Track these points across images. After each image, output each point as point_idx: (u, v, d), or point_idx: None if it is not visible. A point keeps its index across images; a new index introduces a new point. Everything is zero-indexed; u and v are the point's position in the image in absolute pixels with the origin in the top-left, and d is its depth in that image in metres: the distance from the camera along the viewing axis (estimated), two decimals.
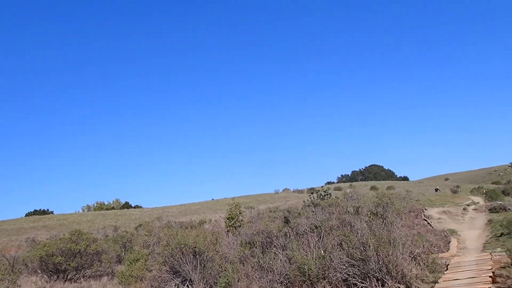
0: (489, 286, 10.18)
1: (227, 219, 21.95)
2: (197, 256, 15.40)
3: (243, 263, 14.79)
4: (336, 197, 22.20)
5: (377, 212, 16.14)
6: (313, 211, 16.97)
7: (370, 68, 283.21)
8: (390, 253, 13.11)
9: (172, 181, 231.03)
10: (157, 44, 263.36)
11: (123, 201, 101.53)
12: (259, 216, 21.67)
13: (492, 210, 34.04)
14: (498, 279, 12.35)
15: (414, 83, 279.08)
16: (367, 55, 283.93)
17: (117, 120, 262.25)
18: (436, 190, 59.87)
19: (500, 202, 36.25)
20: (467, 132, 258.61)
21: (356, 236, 14.44)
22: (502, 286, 11.29)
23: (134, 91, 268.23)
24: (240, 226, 20.52)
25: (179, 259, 15.39)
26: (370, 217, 16.20)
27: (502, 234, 23.18)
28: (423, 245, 21.38)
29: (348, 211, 16.56)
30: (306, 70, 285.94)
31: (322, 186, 26.78)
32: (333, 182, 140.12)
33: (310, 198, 23.65)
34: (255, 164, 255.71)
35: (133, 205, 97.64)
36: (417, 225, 31.30)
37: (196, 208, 75.24)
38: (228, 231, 20.61)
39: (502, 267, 14.14)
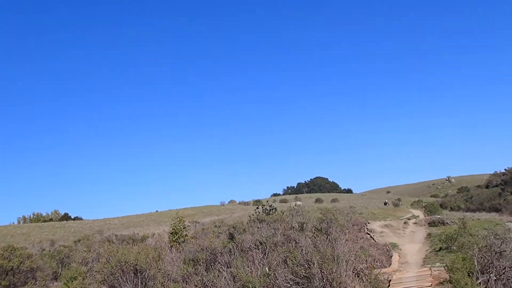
0: None
1: (171, 234, 21.39)
2: (139, 274, 14.83)
3: (187, 281, 14.37)
4: (281, 211, 22.17)
5: (321, 228, 16.21)
6: (258, 227, 16.81)
7: (314, 83, 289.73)
8: (334, 270, 13.14)
9: (114, 191, 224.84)
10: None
11: (62, 212, 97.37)
12: (203, 231, 21.26)
13: (431, 224, 35.14)
14: None
15: (356, 98, 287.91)
16: (312, 69, 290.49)
17: (56, 124, 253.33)
18: (385, 203, 61.22)
19: (438, 216, 37.59)
20: (407, 146, 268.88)
21: (301, 253, 14.39)
22: None
23: (71, 94, 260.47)
24: (184, 242, 20.04)
25: (119, 278, 14.75)
26: (314, 233, 16.23)
27: (440, 249, 23.93)
28: (366, 260, 21.73)
29: (293, 227, 16.52)
30: (251, 82, 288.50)
31: (267, 201, 26.70)
32: (279, 194, 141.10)
33: (256, 212, 23.50)
34: (201, 175, 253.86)
35: (72, 217, 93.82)
36: (360, 238, 31.85)
37: (140, 220, 73.37)
38: (171, 246, 20.06)
39: (441, 283, 14.54)
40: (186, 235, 21.30)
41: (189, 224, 33.62)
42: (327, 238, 15.38)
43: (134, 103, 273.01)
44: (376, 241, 30.74)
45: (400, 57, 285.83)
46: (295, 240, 15.24)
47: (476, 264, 11.73)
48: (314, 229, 16.67)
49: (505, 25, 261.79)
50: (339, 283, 13.08)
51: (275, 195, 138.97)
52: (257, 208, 24.32)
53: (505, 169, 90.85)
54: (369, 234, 33.31)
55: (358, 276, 16.07)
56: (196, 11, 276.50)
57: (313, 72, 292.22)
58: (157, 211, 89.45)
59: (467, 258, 12.99)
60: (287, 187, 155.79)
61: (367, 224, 37.77)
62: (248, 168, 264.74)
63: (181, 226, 21.43)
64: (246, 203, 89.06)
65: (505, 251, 11.45)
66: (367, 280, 15.77)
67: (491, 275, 11.14)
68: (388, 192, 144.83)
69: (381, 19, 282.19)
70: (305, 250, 14.34)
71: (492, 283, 10.80)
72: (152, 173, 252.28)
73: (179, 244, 19.78)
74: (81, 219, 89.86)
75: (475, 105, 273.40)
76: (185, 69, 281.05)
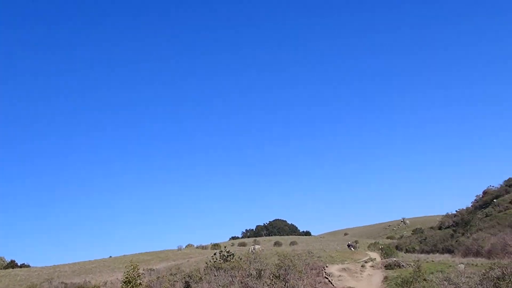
0: None
1: (124, 282, 20.53)
2: None
3: None
4: (239, 257, 21.83)
5: (279, 274, 16.02)
6: (215, 275, 16.45)
7: (272, 121, 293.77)
8: None
9: (65, 236, 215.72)
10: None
11: (8, 259, 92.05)
12: (158, 280, 20.54)
13: (387, 266, 35.46)
14: None
15: (308, 141, 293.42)
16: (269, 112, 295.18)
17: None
18: (349, 246, 60.98)
19: (394, 259, 38.01)
20: (364, 189, 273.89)
21: None
22: None
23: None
24: None
25: None
26: (272, 280, 16.02)
27: None
28: None
29: (251, 274, 16.26)
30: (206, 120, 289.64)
31: (225, 247, 26.27)
32: (238, 237, 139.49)
33: (213, 259, 23.05)
34: (156, 218, 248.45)
35: (19, 264, 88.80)
36: (319, 283, 31.67)
37: (92, 267, 70.23)
38: None
39: None
40: (140, 283, 20.51)
41: (143, 271, 32.51)
42: (285, 286, 15.20)
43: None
44: (334, 285, 30.67)
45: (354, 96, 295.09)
46: None
47: None
48: (272, 276, 16.46)
49: None
50: None
51: (233, 238, 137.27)
52: (215, 254, 23.87)
53: (456, 211, 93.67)
54: (327, 278, 33.22)
55: None
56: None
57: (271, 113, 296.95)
58: (110, 256, 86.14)
59: None
60: (246, 230, 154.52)
61: (325, 267, 37.73)
62: (206, 211, 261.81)
63: (135, 274, 20.65)
64: (204, 247, 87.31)
65: None
66: None
67: None
68: (345, 234, 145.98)
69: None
70: None
71: None
72: (105, 218, 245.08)
73: None
74: (28, 266, 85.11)
75: (426, 147, 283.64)
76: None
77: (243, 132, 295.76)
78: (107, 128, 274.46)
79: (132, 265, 21.22)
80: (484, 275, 17.89)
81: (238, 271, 16.39)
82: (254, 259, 17.33)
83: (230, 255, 23.34)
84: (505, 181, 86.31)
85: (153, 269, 41.90)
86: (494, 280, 16.50)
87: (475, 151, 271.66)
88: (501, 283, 15.69)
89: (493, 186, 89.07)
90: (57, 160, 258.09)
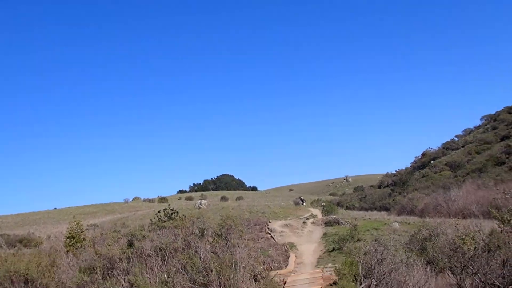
0: None
1: (67, 238, 20.51)
2: (29, 284, 14.11)
3: None
4: (183, 215, 22.19)
5: (221, 233, 16.48)
6: (158, 234, 16.71)
7: (222, 83, 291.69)
8: (232, 277, 13.47)
9: (7, 186, 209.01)
10: None
11: None
12: (102, 237, 20.64)
13: (327, 223, 36.98)
14: None
15: (262, 99, 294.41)
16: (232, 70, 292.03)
17: None
18: (302, 201, 62.15)
19: (334, 216, 39.63)
20: (309, 146, 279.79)
21: (200, 259, 14.57)
22: None
23: None
24: (81, 247, 19.32)
25: None
26: (214, 239, 16.48)
27: (333, 249, 25.38)
28: (264, 262, 22.46)
29: (194, 233, 16.64)
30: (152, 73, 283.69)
31: (169, 205, 26.50)
32: (185, 191, 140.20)
33: (157, 216, 23.29)
34: (103, 170, 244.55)
35: None
36: (261, 238, 32.76)
37: (36, 218, 69.09)
38: (68, 251, 19.25)
39: (330, 285, 15.48)
40: (83, 239, 20.55)
41: (87, 227, 32.40)
42: (226, 244, 15.70)
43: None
44: (276, 240, 31.82)
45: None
46: (195, 247, 15.37)
47: (360, 269, 12.67)
48: (215, 235, 16.92)
49: None
50: None
51: (181, 192, 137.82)
52: (159, 211, 24.08)
53: (395, 171, 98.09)
54: (269, 234, 34.37)
55: (255, 280, 16.59)
56: None
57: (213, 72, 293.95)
58: (55, 208, 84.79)
59: (354, 263, 13.96)
60: (194, 184, 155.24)
61: (268, 223, 38.92)
62: (153, 163, 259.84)
63: (79, 230, 20.63)
64: (151, 200, 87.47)
65: (386, 258, 12.48)
66: (263, 283, 16.34)
67: (372, 280, 12.11)
68: (290, 190, 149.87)
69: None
70: (204, 257, 14.54)
71: (373, 287, 11.75)
72: (50, 168, 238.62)
73: (76, 249, 19.05)
74: None
75: (371, 106, 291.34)
76: None
77: (195, 85, 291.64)
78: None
79: (75, 221, 21.16)
80: (413, 236, 19.19)
81: (181, 230, 16.71)
82: (197, 219, 17.67)
83: (174, 213, 23.62)
84: (443, 144, 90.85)
85: (97, 225, 41.72)
86: (421, 241, 17.73)
87: (417, 113, 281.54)
88: (427, 243, 16.86)
89: (431, 148, 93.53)
90: None
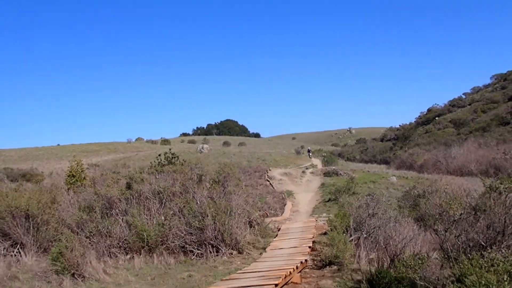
0: (305, 258, 11.34)
1: (68, 176, 20.96)
2: (30, 220, 14.57)
3: (81, 228, 14.39)
4: (183, 160, 22.52)
5: (219, 180, 16.80)
6: (157, 178, 17.04)
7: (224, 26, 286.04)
8: (227, 222, 13.87)
9: (11, 120, 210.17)
10: None
11: None
12: (102, 177, 21.05)
13: (326, 174, 37.46)
14: (317, 246, 13.88)
15: (268, 44, 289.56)
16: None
17: None
18: (309, 151, 61.24)
19: (334, 167, 40.05)
20: (315, 95, 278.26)
21: (197, 204, 14.93)
22: (319, 254, 12.67)
23: None
24: (82, 185, 19.78)
25: (10, 222, 14.39)
26: (212, 185, 16.80)
27: (329, 200, 25.87)
28: (261, 209, 23.00)
29: (192, 178, 16.96)
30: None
31: (170, 149, 26.65)
32: (188, 134, 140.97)
33: (158, 160, 23.62)
34: (107, 109, 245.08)
35: None
36: (260, 185, 33.38)
37: (39, 153, 69.85)
38: (68, 189, 19.73)
39: (323, 234, 15.92)
40: (84, 178, 21.00)
41: (88, 167, 32.94)
42: (223, 191, 16.04)
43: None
44: (274, 188, 32.42)
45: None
46: (192, 192, 15.72)
47: (352, 222, 13.01)
48: (212, 181, 17.25)
49: None
50: (230, 234, 13.86)
51: (184, 134, 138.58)
52: (159, 155, 24.38)
53: (399, 125, 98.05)
54: (268, 181, 34.96)
55: (250, 226, 17.08)
56: None
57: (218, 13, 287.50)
58: (58, 145, 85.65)
59: (346, 215, 14.31)
60: (197, 127, 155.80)
61: (268, 171, 39.47)
62: (158, 105, 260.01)
63: (79, 169, 21.04)
64: (153, 142, 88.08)
65: (377, 213, 12.79)
66: (258, 229, 16.83)
67: (363, 232, 12.47)
68: (293, 138, 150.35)
69: None
70: (201, 202, 14.89)
71: (362, 240, 12.11)
72: (54, 103, 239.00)
73: (76, 187, 19.51)
74: None
75: (379, 60, 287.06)
76: None
77: (199, 28, 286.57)
78: None
79: (76, 161, 21.53)
80: (407, 192, 19.54)
81: (180, 175, 17.01)
82: (196, 165, 17.94)
83: (174, 157, 23.94)
84: (449, 101, 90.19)
85: (98, 165, 42.33)
86: (414, 197, 18.08)
87: (427, 69, 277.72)
88: (420, 200, 17.19)
89: (437, 105, 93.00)
90: None
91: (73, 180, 20.50)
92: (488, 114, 65.16)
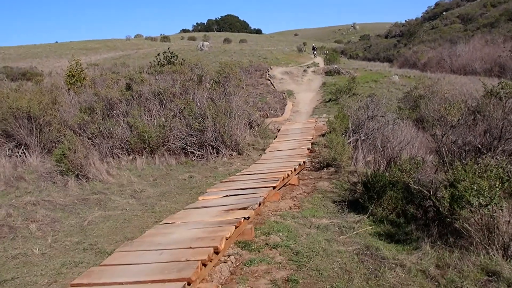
0: (303, 160, 11.55)
1: (68, 76, 20.69)
2: (32, 121, 14.67)
3: (83, 129, 14.53)
4: (182, 59, 22.10)
5: (219, 80, 16.62)
6: (157, 79, 16.84)
7: None
8: (227, 124, 13.96)
9: (7, 16, 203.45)
10: None
11: None
12: (101, 77, 20.78)
13: (328, 73, 36.92)
14: (316, 148, 14.08)
15: None
16: None
17: None
18: (314, 49, 57.96)
19: (335, 66, 39.38)
20: None
21: (197, 106, 14.93)
22: (318, 156, 12.89)
23: None
24: (82, 86, 19.60)
25: (12, 123, 14.51)
26: (212, 85, 16.67)
27: (330, 100, 25.83)
28: (261, 109, 23.07)
29: (192, 79, 16.77)
30: None
31: (168, 49, 25.80)
32: (188, 30, 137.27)
33: (157, 59, 23.17)
34: (106, 4, 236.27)
35: None
36: (261, 84, 33.16)
37: (38, 51, 68.57)
38: (69, 89, 19.61)
39: (322, 135, 16.08)
40: (84, 78, 20.76)
41: (87, 66, 32.42)
42: (223, 92, 15.93)
43: None
44: (275, 87, 32.24)
45: None
46: (193, 93, 15.62)
47: (351, 124, 13.07)
48: (212, 82, 17.07)
49: None
50: (230, 135, 14.02)
51: (184, 31, 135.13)
52: (158, 54, 23.87)
53: (405, 21, 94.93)
54: (269, 80, 34.66)
55: (250, 127, 17.23)
56: None
57: None
58: (57, 42, 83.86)
59: (346, 117, 14.35)
60: (197, 23, 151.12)
61: (269, 69, 38.98)
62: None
63: (79, 69, 20.71)
64: (153, 39, 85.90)
65: (376, 116, 12.80)
66: (258, 130, 17.01)
67: (361, 135, 12.58)
68: (295, 35, 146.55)
69: None
70: (201, 104, 14.87)
71: (360, 142, 12.25)
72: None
73: (77, 88, 19.35)
74: None
75: None
76: None
77: None
78: None
79: (74, 60, 21.14)
80: (408, 93, 19.40)
81: (179, 75, 16.79)
82: (195, 65, 17.62)
83: (174, 56, 23.46)
84: None
85: (97, 64, 41.70)
86: (415, 98, 17.98)
87: None
88: (421, 101, 17.13)
89: None
90: None
91: (73, 80, 20.29)
92: (498, 9, 62.67)
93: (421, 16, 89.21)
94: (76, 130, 14.46)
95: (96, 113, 14.83)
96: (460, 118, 7.79)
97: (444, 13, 78.03)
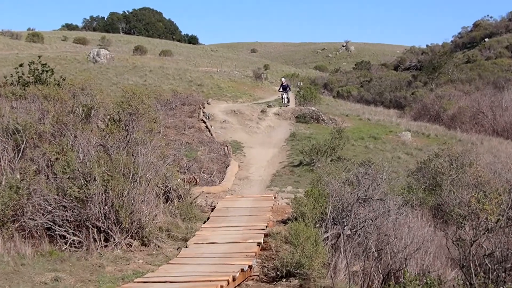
0: (249, 263, 11.48)
1: None
2: None
3: None
4: (62, 77, 22.08)
5: (120, 118, 16.64)
6: (13, 107, 16.70)
7: None
8: (126, 192, 13.83)
9: None
10: None
11: None
12: None
13: (300, 118, 37.43)
14: (271, 243, 14.08)
15: None
16: None
17: None
18: (285, 88, 57.04)
19: (313, 108, 39.95)
20: None
21: (79, 158, 14.77)
22: (273, 257, 12.92)
23: None
24: None
25: None
26: (108, 125, 16.64)
27: (301, 164, 26.21)
28: (187, 170, 23.12)
29: (74, 112, 16.71)
30: None
31: (39, 57, 25.23)
32: (77, 27, 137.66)
33: (17, 73, 22.94)
34: None
35: None
36: (190, 128, 33.35)
37: None
38: None
39: (283, 222, 16.18)
40: None
41: None
42: (126, 138, 15.92)
43: None
44: (213, 135, 32.54)
45: None
46: (73, 134, 15.54)
47: (330, 209, 13.20)
48: (109, 119, 17.07)
49: None
50: (130, 213, 13.85)
51: (68, 27, 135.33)
52: (21, 65, 23.63)
53: (427, 45, 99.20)
54: (204, 122, 34.99)
55: (166, 200, 17.15)
56: None
57: None
58: None
59: (323, 195, 14.54)
60: (91, 16, 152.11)
61: (206, 104, 39.39)
62: None
63: None
64: (14, 35, 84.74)
65: (371, 198, 13.06)
66: (178, 206, 16.93)
67: (345, 228, 12.72)
68: (253, 50, 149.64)
69: None
70: (86, 154, 14.73)
71: (343, 239, 12.31)
72: None
73: None
74: None
75: None
76: None
77: None
78: None
79: None
80: (425, 163, 19.92)
81: (54, 103, 16.70)
82: (83, 89, 17.62)
83: (47, 71, 23.25)
84: (510, 12, 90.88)
85: None
86: (435, 173, 18.50)
87: None
88: (444, 178, 17.64)
89: (490, 18, 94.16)
90: None
91: None
92: None
93: (452, 41, 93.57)
94: None
95: None
96: (501, 217, 8.04)
97: (486, 39, 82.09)
